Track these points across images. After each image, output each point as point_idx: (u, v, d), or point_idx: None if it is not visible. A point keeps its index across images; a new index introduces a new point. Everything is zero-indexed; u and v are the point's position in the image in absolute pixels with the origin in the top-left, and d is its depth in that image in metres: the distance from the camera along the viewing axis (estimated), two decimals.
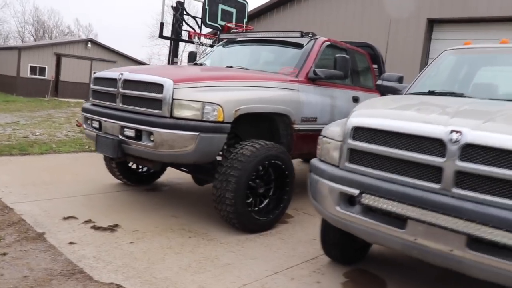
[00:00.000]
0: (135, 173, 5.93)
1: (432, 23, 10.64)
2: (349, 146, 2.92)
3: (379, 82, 4.70)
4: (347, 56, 5.31)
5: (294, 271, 3.70)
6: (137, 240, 4.04)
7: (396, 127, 2.68)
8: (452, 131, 2.45)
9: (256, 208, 4.53)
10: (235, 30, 8.52)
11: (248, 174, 4.26)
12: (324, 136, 3.25)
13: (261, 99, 4.55)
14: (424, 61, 10.28)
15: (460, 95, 3.78)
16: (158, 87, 4.21)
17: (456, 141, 2.42)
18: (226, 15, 8.76)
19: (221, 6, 8.60)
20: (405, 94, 4.24)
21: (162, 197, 5.57)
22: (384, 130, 2.73)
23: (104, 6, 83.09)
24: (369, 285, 3.61)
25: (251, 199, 4.45)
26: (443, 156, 2.47)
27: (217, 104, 4.14)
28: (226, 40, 6.51)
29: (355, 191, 2.79)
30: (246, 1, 9.20)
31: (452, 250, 2.45)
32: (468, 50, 4.55)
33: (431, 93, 3.97)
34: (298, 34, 5.59)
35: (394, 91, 4.47)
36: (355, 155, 2.91)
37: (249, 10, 11.28)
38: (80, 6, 79.77)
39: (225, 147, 4.57)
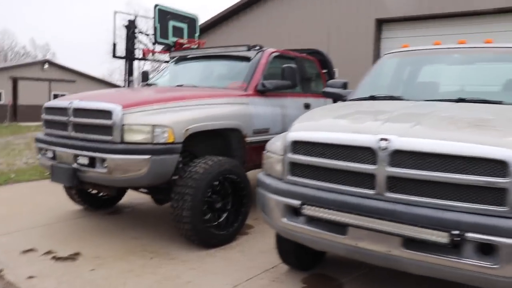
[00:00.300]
0: (96, 197, 5.92)
1: (381, 23, 10.95)
2: (289, 159, 3.04)
3: (325, 89, 4.85)
4: (293, 65, 5.47)
5: (253, 282, 3.79)
6: (98, 267, 4.06)
7: (330, 139, 2.82)
8: (381, 139, 2.59)
9: (215, 223, 4.61)
10: (187, 45, 8.59)
11: (203, 191, 4.34)
12: (268, 151, 3.36)
13: (210, 116, 4.64)
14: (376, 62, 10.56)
15: (398, 99, 3.95)
16: (108, 114, 4.27)
17: (385, 149, 2.57)
18: (177, 31, 8.83)
19: (171, 23, 8.66)
20: (349, 100, 4.39)
21: (124, 220, 5.59)
22: (320, 143, 2.86)
23: (60, 23, 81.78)
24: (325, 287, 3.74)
25: (209, 215, 4.53)
26: (374, 163, 2.62)
27: (167, 126, 4.22)
28: (176, 57, 6.59)
29: (297, 203, 2.90)
30: (196, 16, 9.28)
31: (390, 251, 2.59)
32: (406, 53, 4.75)
33: (372, 98, 4.13)
34: (245, 48, 5.71)
35: (340, 98, 4.62)
36: (296, 168, 3.03)
37: (200, 23, 11.41)
38: (35, 25, 78.27)
39: (181, 166, 4.65)
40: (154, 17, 8.37)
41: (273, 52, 5.80)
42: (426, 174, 2.48)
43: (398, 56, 4.76)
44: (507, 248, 2.30)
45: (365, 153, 2.66)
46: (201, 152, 4.95)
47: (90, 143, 4.38)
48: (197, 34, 9.23)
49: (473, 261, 2.39)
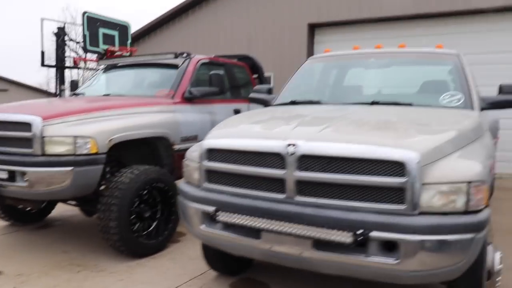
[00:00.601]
0: (23, 212, 5.74)
1: (313, 27, 11.20)
2: (205, 167, 3.08)
3: (251, 95, 4.94)
4: (221, 72, 5.53)
5: None
6: (20, 285, 3.94)
7: (242, 146, 2.88)
8: (288, 145, 2.68)
9: (145, 232, 4.59)
10: (119, 53, 8.48)
11: (129, 201, 4.31)
12: (187, 159, 3.39)
13: (135, 125, 4.62)
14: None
15: (317, 103, 4.08)
16: (27, 126, 4.17)
17: (293, 153, 2.66)
18: (109, 39, 8.69)
19: (102, 30, 8.51)
20: (272, 105, 4.49)
21: (53, 233, 5.45)
22: (233, 150, 2.92)
23: None
24: None
25: (138, 224, 4.50)
26: (283, 168, 2.70)
27: (89, 137, 4.17)
28: (105, 66, 6.50)
29: (212, 209, 2.95)
30: (127, 23, 9.17)
31: (301, 253, 2.68)
32: (327, 58, 4.91)
33: (292, 102, 4.25)
34: (172, 56, 5.71)
35: (264, 103, 4.72)
36: (212, 175, 3.08)
37: (133, 31, 11.28)
38: None
39: (108, 176, 4.61)
40: (82, 25, 8.19)
41: (200, 59, 5.84)
42: (332, 177, 2.58)
43: (319, 61, 4.92)
44: (406, 244, 2.43)
45: (275, 159, 2.74)
46: (130, 161, 4.93)
47: (9, 156, 4.26)
48: (129, 42, 9.13)
49: (377, 258, 2.51)
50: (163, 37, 12.76)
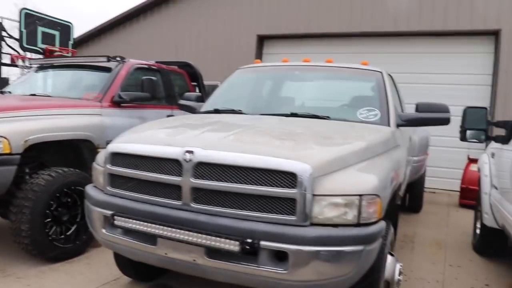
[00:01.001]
0: None
1: (263, 39, 11.32)
2: (108, 171, 3.05)
3: (180, 101, 4.94)
4: (153, 78, 5.50)
5: None
6: None
7: (143, 151, 2.87)
8: (186, 152, 2.68)
9: (62, 236, 4.48)
10: (59, 53, 8.30)
11: (44, 204, 4.21)
12: (95, 162, 3.35)
13: (56, 127, 4.53)
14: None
15: (239, 112, 4.11)
16: None
17: (190, 161, 2.66)
18: (48, 38, 8.48)
19: (41, 29, 8.29)
20: (198, 112, 4.50)
21: None
22: (134, 155, 2.91)
23: None
24: None
25: (54, 228, 4.40)
26: (180, 175, 2.70)
27: (2, 137, 4.05)
28: (38, 65, 6.35)
29: (110, 213, 2.92)
30: (70, 23, 8.98)
31: (195, 260, 2.67)
32: (256, 69, 4.96)
33: (216, 111, 4.26)
34: (105, 59, 5.65)
35: (192, 110, 4.72)
36: (115, 179, 3.04)
37: (79, 34, 11.11)
38: None
39: (27, 178, 4.49)
40: (20, 21, 7.96)
41: (134, 64, 5.79)
42: (226, 186, 2.59)
43: (248, 72, 4.96)
44: (295, 254, 2.46)
45: (173, 165, 2.74)
46: (53, 163, 4.81)
47: None
48: (71, 42, 8.94)
49: (267, 267, 2.53)
50: (109, 42, 12.60)
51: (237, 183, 2.57)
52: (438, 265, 4.94)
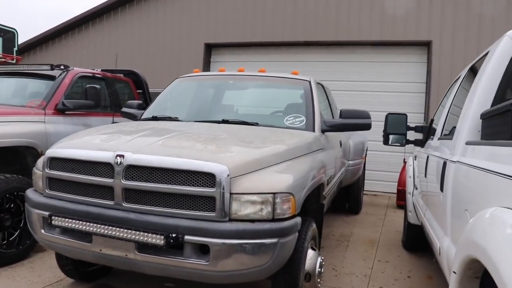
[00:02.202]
0: None
1: (210, 48, 11.60)
2: (47, 174, 3.27)
3: (122, 109, 5.16)
4: (97, 86, 5.69)
5: None
6: None
7: (78, 156, 3.11)
8: (117, 156, 2.94)
9: (5, 242, 4.61)
10: (3, 60, 8.31)
11: None
12: (35, 167, 3.55)
13: None
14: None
15: (174, 119, 4.39)
16: None
17: (120, 164, 2.92)
18: None
19: None
20: (138, 119, 4.74)
21: None
22: (70, 159, 3.15)
23: None
24: None
25: None
26: (112, 177, 2.96)
27: None
28: None
29: (47, 214, 3.14)
30: (15, 30, 8.97)
31: (127, 255, 2.93)
32: (194, 78, 5.26)
33: (154, 118, 4.52)
34: (48, 67, 5.81)
35: (133, 117, 4.95)
36: (53, 182, 3.27)
37: (24, 40, 11.05)
38: None
39: None
40: None
41: (78, 73, 5.97)
42: (153, 186, 2.87)
43: (186, 81, 5.25)
44: (215, 247, 2.75)
45: (105, 168, 2.99)
46: None
47: None
48: (15, 49, 8.93)
49: (191, 260, 2.81)
50: (57, 50, 12.61)
51: (163, 183, 2.85)
52: (368, 261, 5.32)
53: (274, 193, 2.86)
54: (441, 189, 3.07)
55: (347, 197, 7.77)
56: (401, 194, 8.63)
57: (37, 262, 4.77)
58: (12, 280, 4.26)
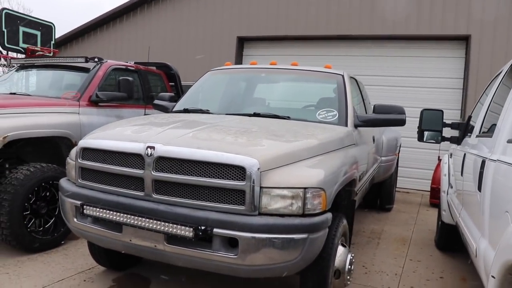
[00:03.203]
0: None
1: (243, 41, 11.59)
2: (79, 165, 3.31)
3: (154, 101, 5.20)
4: (130, 78, 5.74)
5: (64, 283, 3.99)
6: None
7: (109, 146, 3.14)
8: (147, 147, 2.95)
9: (41, 228, 4.72)
10: (41, 53, 8.50)
11: (23, 197, 4.45)
12: (68, 157, 3.60)
13: (35, 124, 4.77)
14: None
15: (206, 112, 4.39)
16: None
17: (151, 155, 2.93)
18: (30, 38, 8.65)
19: (22, 29, 8.46)
20: (170, 112, 4.77)
21: None
22: (102, 149, 3.18)
23: None
24: (133, 285, 4.04)
25: (33, 220, 4.63)
26: (142, 168, 2.97)
27: None
28: (19, 65, 6.57)
29: (79, 203, 3.18)
30: (52, 24, 9.18)
31: (156, 246, 2.94)
32: (226, 71, 5.24)
33: (185, 110, 4.53)
34: (83, 60, 5.90)
35: (165, 109, 4.98)
36: (85, 172, 3.31)
37: (61, 34, 11.26)
38: None
39: (7, 172, 4.72)
40: (0, 21, 8.13)
41: (112, 65, 6.04)
42: (183, 178, 2.86)
43: (218, 73, 5.24)
44: (244, 240, 2.73)
45: (136, 159, 3.00)
46: (32, 159, 5.05)
47: None
48: (52, 42, 9.13)
49: (219, 253, 2.80)
50: (91, 43, 12.82)
51: (193, 175, 2.84)
52: (399, 260, 5.22)
53: (305, 188, 2.82)
54: (479, 188, 2.97)
55: (379, 193, 7.65)
56: (434, 192, 8.46)
57: (71, 249, 4.86)
58: (48, 266, 4.36)
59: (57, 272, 4.22)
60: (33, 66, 6.41)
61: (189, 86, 5.31)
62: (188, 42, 11.81)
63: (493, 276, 1.91)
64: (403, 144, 8.56)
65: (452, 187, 5.05)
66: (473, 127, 4.26)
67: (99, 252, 4.07)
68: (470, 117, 4.88)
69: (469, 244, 3.26)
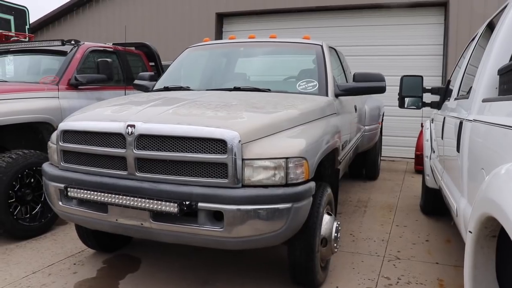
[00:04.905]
0: None
1: (222, 17, 11.48)
2: (61, 148, 3.30)
3: (135, 81, 5.16)
4: (109, 59, 5.68)
5: (54, 267, 3.99)
6: None
7: (90, 127, 3.12)
8: (128, 126, 2.94)
9: (28, 215, 4.71)
10: (15, 38, 8.32)
11: (6, 185, 4.41)
12: (50, 141, 3.58)
13: (14, 111, 4.71)
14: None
15: (186, 89, 4.37)
16: None
17: (131, 134, 2.92)
18: (2, 23, 8.45)
19: None
20: (150, 91, 4.74)
21: None
22: (82, 131, 3.16)
23: None
24: (123, 266, 4.05)
25: (19, 207, 4.62)
26: (124, 147, 2.96)
27: None
28: None
29: (63, 186, 3.17)
30: (26, 8, 8.96)
31: (142, 224, 2.96)
32: (204, 47, 5.20)
33: (166, 88, 4.51)
34: (59, 43, 5.81)
35: (145, 89, 4.95)
36: (67, 155, 3.29)
37: (36, 19, 11.06)
38: None
39: None
40: None
41: (89, 47, 5.96)
42: (165, 154, 2.86)
43: (197, 50, 5.20)
44: (229, 213, 2.75)
45: (117, 139, 2.99)
46: (13, 146, 5.00)
47: None
48: (27, 27, 8.93)
49: (206, 227, 2.82)
50: (68, 27, 12.60)
51: (175, 151, 2.85)
52: (386, 226, 5.31)
53: (286, 158, 2.84)
54: (458, 149, 3.01)
55: (364, 163, 7.72)
56: (419, 159, 8.55)
57: (59, 234, 4.87)
58: (37, 252, 4.36)
59: (46, 257, 4.23)
60: (8, 52, 6.29)
61: (169, 66, 5.27)
62: (167, 21, 11.66)
63: (470, 231, 1.95)
64: (386, 113, 8.62)
65: (434, 152, 5.11)
66: (452, 90, 4.30)
67: (87, 235, 4.07)
68: (449, 81, 4.92)
69: (451, 205, 3.32)
